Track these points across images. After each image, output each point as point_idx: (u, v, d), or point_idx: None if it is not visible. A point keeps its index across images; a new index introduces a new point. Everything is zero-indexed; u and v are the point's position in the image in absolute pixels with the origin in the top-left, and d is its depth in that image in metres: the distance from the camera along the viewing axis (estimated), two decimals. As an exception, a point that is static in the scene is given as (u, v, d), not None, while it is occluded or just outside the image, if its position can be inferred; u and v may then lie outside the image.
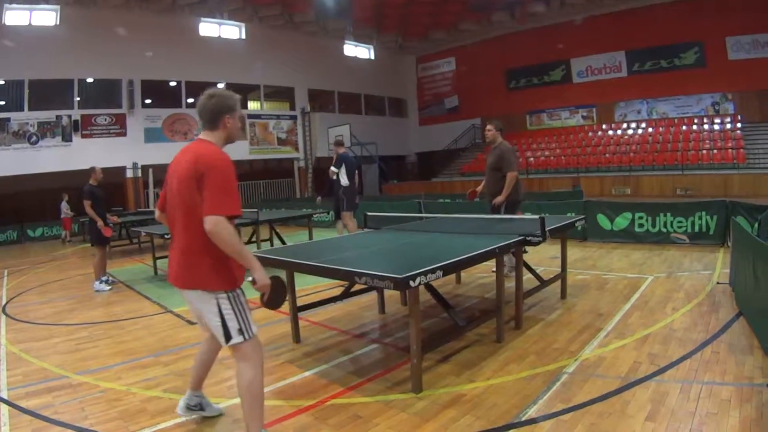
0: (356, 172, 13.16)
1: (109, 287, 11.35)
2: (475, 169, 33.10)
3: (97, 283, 11.43)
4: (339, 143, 13.47)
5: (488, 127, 10.34)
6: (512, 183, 9.62)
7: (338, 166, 12.89)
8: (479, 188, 10.49)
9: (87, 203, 11.09)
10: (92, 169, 11.50)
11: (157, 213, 4.57)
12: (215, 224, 3.70)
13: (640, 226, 13.18)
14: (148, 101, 29.22)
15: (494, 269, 7.28)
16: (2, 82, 25.12)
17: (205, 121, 4.12)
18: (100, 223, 11.30)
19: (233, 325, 4.00)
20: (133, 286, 11.65)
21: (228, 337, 4.00)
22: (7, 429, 4.79)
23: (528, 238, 6.52)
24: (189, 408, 4.72)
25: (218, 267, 3.94)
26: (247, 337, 4.05)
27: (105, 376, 6.00)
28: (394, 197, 28.06)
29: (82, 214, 13.69)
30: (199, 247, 3.88)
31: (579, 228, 12.52)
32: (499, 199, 9.65)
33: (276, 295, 4.23)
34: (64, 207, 23.17)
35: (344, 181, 12.81)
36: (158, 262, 12.95)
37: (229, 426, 4.69)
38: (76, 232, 24.80)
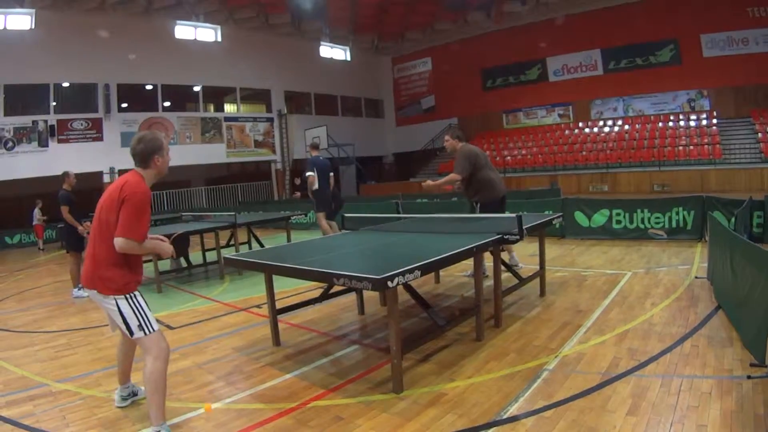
0: (331, 174, 13.21)
1: (86, 294, 11.22)
2: (452, 169, 33.09)
3: (75, 290, 11.32)
4: (314, 146, 13.53)
5: (445, 137, 10.28)
6: (449, 180, 9.91)
7: (310, 170, 12.95)
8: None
9: (65, 209, 10.97)
10: (65, 174, 11.33)
11: None
12: (122, 245, 4.35)
13: (618, 222, 13.25)
14: (124, 105, 29.00)
15: (472, 271, 7.32)
16: (-23, 88, 24.85)
17: (137, 162, 4.68)
18: (81, 228, 11.21)
19: (134, 323, 4.49)
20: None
21: (130, 332, 4.51)
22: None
23: (505, 237, 6.53)
24: (124, 398, 5.21)
25: (115, 277, 4.49)
26: (147, 332, 4.52)
27: (85, 383, 5.95)
28: (371, 198, 28.01)
29: (57, 221, 13.55)
30: (106, 258, 4.47)
31: (557, 225, 12.54)
32: (428, 182, 10.02)
33: (180, 247, 4.90)
34: (37, 214, 22.99)
35: (315, 184, 12.89)
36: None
37: (211, 429, 4.65)
38: (53, 239, 24.59)
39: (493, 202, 9.58)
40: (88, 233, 11.38)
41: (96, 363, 6.66)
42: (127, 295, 4.50)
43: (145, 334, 4.50)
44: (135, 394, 5.26)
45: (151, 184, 4.69)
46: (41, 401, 5.50)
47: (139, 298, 4.59)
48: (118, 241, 4.30)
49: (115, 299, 4.46)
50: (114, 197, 4.39)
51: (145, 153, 4.61)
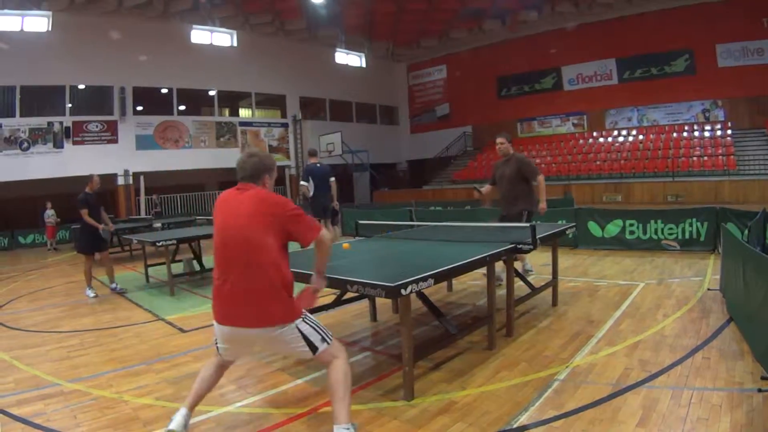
0: (332, 180, 13.36)
1: (93, 294, 11.26)
2: (466, 177, 33.17)
3: (88, 290, 11.40)
4: (312, 153, 13.73)
5: (500, 140, 10.12)
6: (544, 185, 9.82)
7: (305, 179, 13.15)
8: (484, 191, 10.34)
9: (84, 211, 11.03)
10: (90, 177, 11.40)
11: None
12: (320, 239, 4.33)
13: (631, 233, 13.22)
14: (139, 108, 29.15)
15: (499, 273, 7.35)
16: (-6, 88, 25.06)
17: (247, 178, 4.37)
18: (101, 227, 11.29)
19: (316, 338, 4.24)
20: (125, 293, 11.62)
21: (314, 349, 4.24)
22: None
23: (519, 246, 6.54)
24: (184, 426, 4.52)
25: (288, 300, 4.23)
26: (329, 341, 4.32)
27: (97, 384, 5.98)
28: (385, 205, 28.05)
29: (71, 221, 13.57)
30: (270, 285, 4.10)
31: (570, 235, 12.55)
32: (543, 206, 9.73)
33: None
34: (50, 214, 23.10)
35: (309, 193, 13.08)
36: (150, 269, 12.92)
37: (222, 434, 4.66)
38: (67, 239, 24.69)
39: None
40: (105, 231, 11.52)
41: (108, 364, 6.68)
42: (303, 318, 4.26)
43: (328, 344, 4.31)
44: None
45: None
46: (52, 401, 5.54)
47: (308, 314, 4.38)
48: (319, 239, 4.30)
49: (296, 324, 4.19)
50: (260, 217, 4.10)
51: (259, 170, 4.37)
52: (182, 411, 4.47)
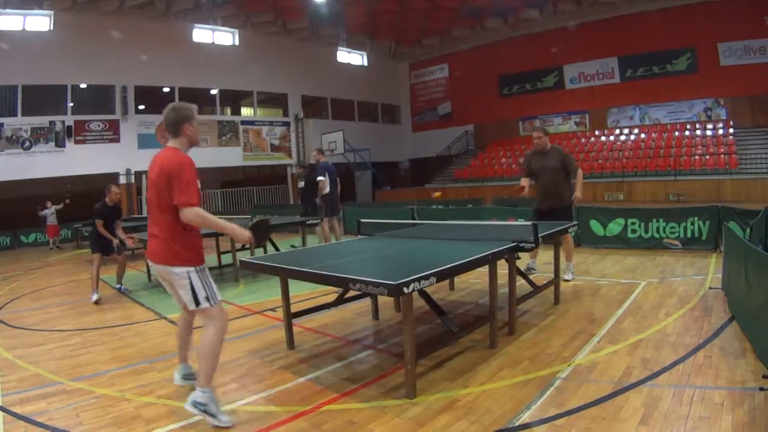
0: (337, 179, 13.45)
1: (96, 298, 11.18)
2: (468, 176, 33.18)
3: (93, 295, 11.31)
4: (321, 151, 13.81)
5: (537, 134, 10.17)
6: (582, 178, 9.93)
7: (322, 174, 13.18)
8: (525, 187, 10.22)
9: (99, 222, 11.00)
10: (107, 189, 11.26)
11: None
12: (186, 215, 4.61)
13: (633, 231, 13.23)
14: (141, 107, 29.09)
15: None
16: (-5, 88, 25.07)
17: (169, 131, 4.98)
18: (115, 241, 11.26)
19: (201, 294, 4.81)
20: (129, 293, 11.62)
21: (197, 302, 4.83)
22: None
23: (521, 245, 6.54)
24: (185, 377, 5.52)
25: (182, 250, 4.78)
26: (213, 302, 4.89)
27: (99, 382, 6.00)
28: (387, 204, 28.05)
29: (77, 219, 13.52)
30: (171, 232, 4.75)
31: (572, 234, 12.57)
32: (579, 195, 9.82)
33: (260, 235, 5.51)
34: (49, 213, 23.07)
35: (325, 188, 13.10)
36: (152, 269, 12.92)
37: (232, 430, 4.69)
38: (69, 238, 24.69)
39: None
40: (119, 248, 11.51)
41: (110, 362, 6.70)
42: (197, 267, 4.79)
43: (211, 305, 4.83)
44: (194, 378, 5.31)
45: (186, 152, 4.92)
46: (55, 399, 5.56)
47: (206, 271, 4.89)
48: (183, 213, 4.58)
49: (187, 271, 4.73)
50: (164, 173, 4.63)
51: (177, 121, 4.90)
52: (178, 367, 5.38)
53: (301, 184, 16.28)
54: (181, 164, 4.63)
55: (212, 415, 4.70)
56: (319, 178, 13.51)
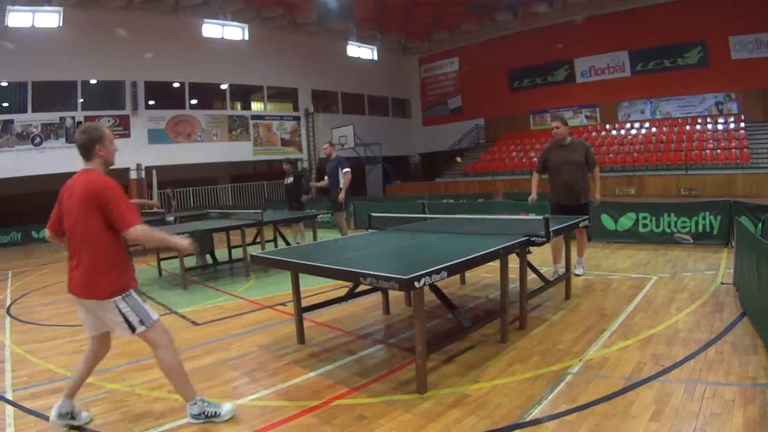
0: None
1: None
2: (479, 170, 33.19)
3: None
4: (333, 144, 13.86)
5: (555, 123, 9.62)
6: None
7: (348, 166, 13.23)
8: (534, 182, 10.08)
9: None
10: None
11: (47, 233, 5.23)
12: (136, 234, 4.50)
13: (644, 226, 13.17)
14: (151, 102, 29.26)
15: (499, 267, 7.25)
16: (5, 84, 25.21)
17: (81, 154, 4.73)
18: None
19: (134, 319, 4.61)
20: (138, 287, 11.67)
21: (132, 329, 4.62)
22: (13, 430, 4.81)
23: (532, 239, 6.52)
24: (61, 416, 4.79)
25: (113, 279, 4.57)
26: (149, 324, 4.67)
27: (109, 377, 6.03)
28: (397, 198, 28.03)
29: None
30: (97, 263, 4.53)
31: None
32: (599, 197, 9.55)
33: (202, 243, 4.96)
34: None
35: (342, 182, 13.13)
36: (162, 263, 12.99)
37: (234, 426, 4.69)
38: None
39: None
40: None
41: (120, 357, 6.69)
42: (123, 294, 4.56)
43: (147, 327, 4.64)
44: (73, 417, 4.85)
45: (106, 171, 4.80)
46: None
47: (133, 294, 4.68)
48: (129, 234, 4.46)
49: (114, 302, 4.52)
50: (90, 199, 4.46)
51: (87, 144, 4.67)
52: (60, 401, 4.82)
53: (290, 180, 16.17)
54: (107, 188, 4.49)
55: (214, 416, 4.73)
56: (346, 169, 13.49)
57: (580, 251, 10.05)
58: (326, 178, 13.98)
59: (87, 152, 4.68)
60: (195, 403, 4.72)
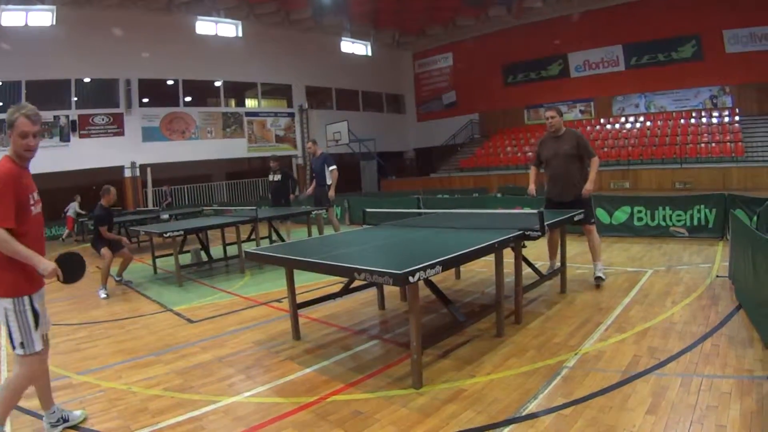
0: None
1: (105, 296, 11.08)
2: (474, 165, 33.19)
3: (100, 290, 11.24)
4: (315, 142, 13.98)
5: (550, 113, 9.02)
6: (597, 168, 9.04)
7: (334, 164, 13.29)
8: (532, 176, 9.71)
9: (103, 230, 10.95)
10: (106, 190, 11.12)
11: None
12: None
13: (639, 219, 13.18)
14: (145, 100, 29.25)
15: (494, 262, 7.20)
16: (-1, 83, 25.12)
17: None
18: (124, 239, 11.43)
19: (17, 337, 4.19)
20: (130, 284, 11.65)
21: (12, 345, 4.23)
22: (9, 429, 4.78)
23: (527, 233, 6.50)
24: (53, 425, 4.72)
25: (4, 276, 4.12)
26: (28, 351, 4.24)
27: (106, 376, 6.00)
28: (392, 193, 28.07)
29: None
30: None
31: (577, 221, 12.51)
32: (590, 187, 8.80)
33: (70, 270, 4.54)
34: (74, 208, 23.06)
35: (329, 179, 13.21)
36: (158, 261, 12.97)
37: (230, 423, 4.67)
38: (75, 233, 24.73)
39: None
40: (127, 242, 11.54)
41: (116, 355, 6.70)
42: (16, 299, 4.15)
43: (25, 353, 4.24)
44: (66, 420, 4.78)
45: (22, 162, 4.41)
46: (61, 393, 5.54)
47: (26, 307, 4.21)
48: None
49: (3, 306, 4.13)
50: None
51: (6, 126, 4.27)
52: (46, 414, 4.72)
53: (277, 177, 16.11)
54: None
55: None
56: (332, 167, 13.56)
57: (595, 255, 9.13)
58: (313, 176, 14.10)
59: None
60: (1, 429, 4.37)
